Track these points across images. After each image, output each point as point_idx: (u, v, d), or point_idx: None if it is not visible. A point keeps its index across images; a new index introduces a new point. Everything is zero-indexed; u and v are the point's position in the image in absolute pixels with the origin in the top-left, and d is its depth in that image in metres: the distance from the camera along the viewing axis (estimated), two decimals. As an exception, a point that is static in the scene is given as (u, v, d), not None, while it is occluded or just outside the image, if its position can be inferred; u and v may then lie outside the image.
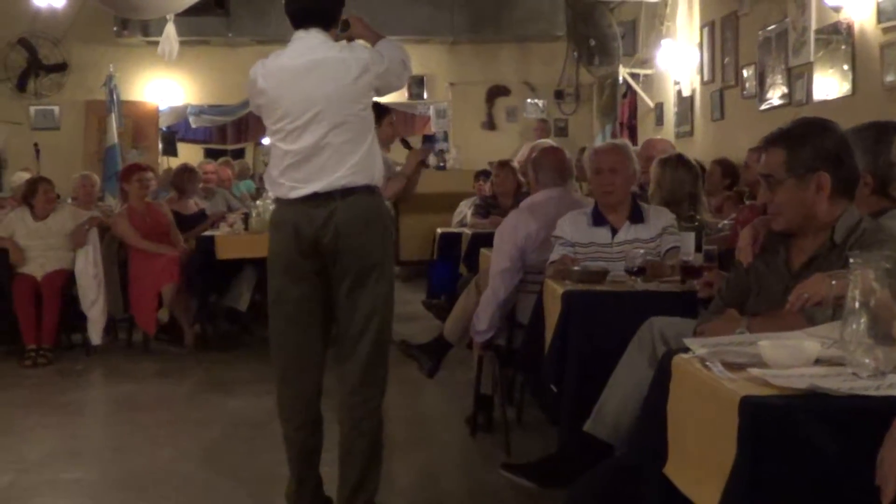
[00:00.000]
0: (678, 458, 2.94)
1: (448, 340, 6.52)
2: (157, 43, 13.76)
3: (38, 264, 8.96)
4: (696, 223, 4.99)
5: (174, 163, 14.82)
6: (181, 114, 17.20)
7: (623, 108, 14.92)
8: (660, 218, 5.45)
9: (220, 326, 9.66)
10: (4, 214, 9.54)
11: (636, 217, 5.42)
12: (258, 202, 9.60)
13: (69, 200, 9.84)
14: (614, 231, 5.39)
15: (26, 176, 11.38)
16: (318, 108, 4.35)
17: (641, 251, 4.97)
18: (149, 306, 9.04)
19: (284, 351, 4.57)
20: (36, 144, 15.49)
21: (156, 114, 16.70)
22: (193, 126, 17.15)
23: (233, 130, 18.01)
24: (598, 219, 5.42)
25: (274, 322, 4.59)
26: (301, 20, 4.50)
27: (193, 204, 10.15)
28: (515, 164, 9.92)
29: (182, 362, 8.75)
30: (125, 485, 5.45)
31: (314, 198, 4.38)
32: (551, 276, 5.15)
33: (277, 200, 4.57)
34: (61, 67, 16.33)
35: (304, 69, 4.40)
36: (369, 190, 4.46)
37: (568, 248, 5.32)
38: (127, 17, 14.80)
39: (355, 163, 4.39)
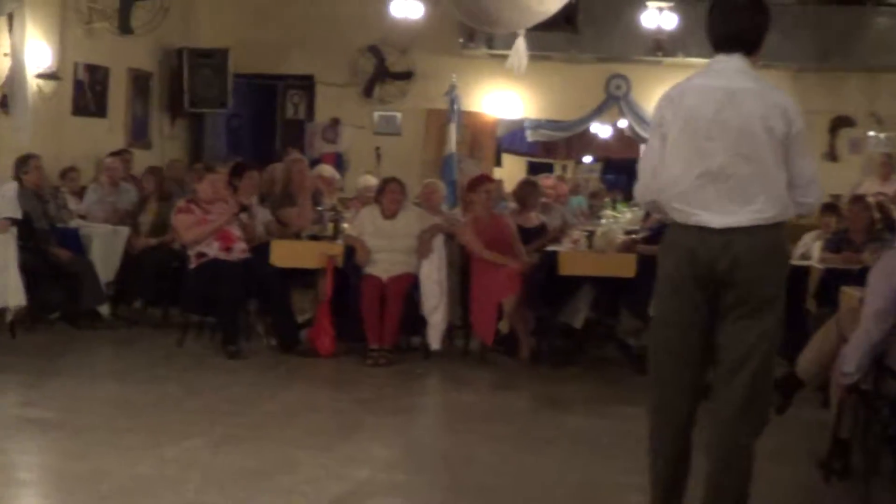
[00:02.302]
0: None
1: (801, 378, 6.28)
2: (499, 56, 14.04)
3: (382, 268, 9.16)
4: None
5: (498, 173, 14.99)
6: (511, 126, 17.38)
7: (978, 146, 14.16)
8: None
9: (554, 342, 9.64)
10: (353, 215, 9.86)
11: None
12: (603, 221, 9.57)
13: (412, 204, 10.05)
14: None
15: (371, 178, 11.77)
16: (728, 137, 4.26)
17: None
18: (489, 316, 9.09)
19: (662, 375, 4.50)
20: (378, 148, 16.16)
21: (494, 125, 16.93)
22: (530, 139, 17.24)
23: (561, 146, 18.08)
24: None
25: (654, 345, 4.54)
26: (724, 44, 4.44)
27: (534, 217, 10.20)
28: (870, 199, 9.53)
29: (517, 375, 8.78)
30: (475, 497, 5.47)
31: None
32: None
33: (672, 223, 4.49)
34: (406, 75, 16.85)
35: (721, 95, 4.31)
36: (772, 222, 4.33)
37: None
38: (484, 30, 15.05)
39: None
